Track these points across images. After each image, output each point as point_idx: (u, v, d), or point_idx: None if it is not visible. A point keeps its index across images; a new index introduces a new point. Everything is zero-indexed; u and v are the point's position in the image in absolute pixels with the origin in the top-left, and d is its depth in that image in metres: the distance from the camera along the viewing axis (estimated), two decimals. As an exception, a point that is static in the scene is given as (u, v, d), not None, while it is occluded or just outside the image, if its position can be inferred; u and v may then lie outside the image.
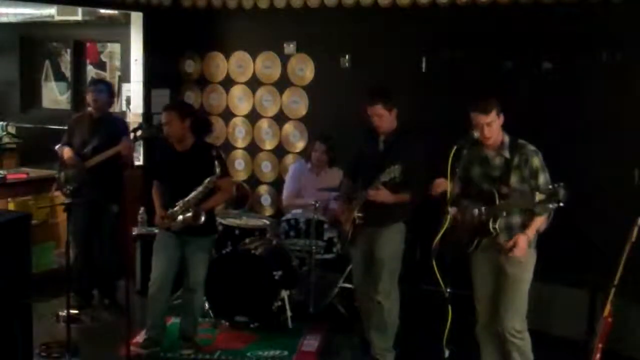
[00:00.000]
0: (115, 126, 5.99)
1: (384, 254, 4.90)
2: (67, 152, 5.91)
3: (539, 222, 4.22)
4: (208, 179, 4.91)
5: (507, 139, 4.30)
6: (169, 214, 4.99)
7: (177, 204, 4.96)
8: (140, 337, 5.25)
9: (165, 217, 5.00)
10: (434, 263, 4.24)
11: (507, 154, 4.27)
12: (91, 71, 7.96)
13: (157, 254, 5.13)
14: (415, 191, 4.75)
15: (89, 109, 6.02)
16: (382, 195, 4.72)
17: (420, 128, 5.18)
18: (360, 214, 4.89)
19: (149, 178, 5.34)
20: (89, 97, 5.97)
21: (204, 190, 4.94)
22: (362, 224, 4.92)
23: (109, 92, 6.06)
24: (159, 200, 5.12)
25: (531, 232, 4.22)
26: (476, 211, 4.27)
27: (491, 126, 4.23)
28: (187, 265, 5.12)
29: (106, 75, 7.86)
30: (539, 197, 3.96)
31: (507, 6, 5.92)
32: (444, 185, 4.30)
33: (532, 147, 4.28)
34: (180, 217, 4.96)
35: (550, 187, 3.98)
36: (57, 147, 6.04)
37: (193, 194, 4.93)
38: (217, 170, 4.91)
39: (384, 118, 4.82)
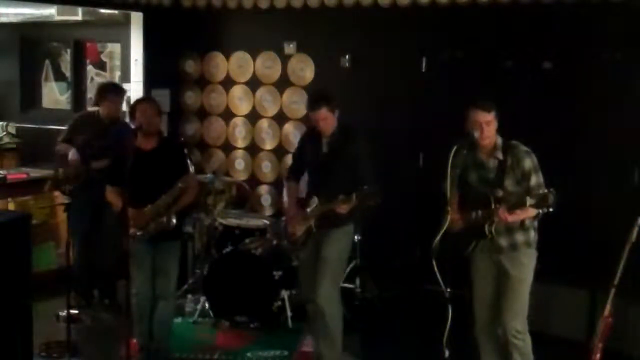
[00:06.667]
0: (121, 128, 6.00)
1: (329, 253, 4.85)
2: (72, 154, 5.88)
3: (530, 213, 4.18)
4: (180, 182, 4.74)
5: (499, 141, 4.30)
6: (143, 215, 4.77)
7: (145, 209, 4.78)
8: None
9: (139, 219, 4.76)
10: (434, 263, 4.24)
11: (500, 156, 4.26)
12: (91, 71, 7.95)
13: (133, 266, 4.78)
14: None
15: (94, 109, 5.99)
16: (347, 208, 4.65)
17: (378, 127, 5.19)
18: (317, 222, 4.83)
19: (112, 181, 4.95)
20: (108, 103, 5.96)
21: (175, 193, 4.77)
22: (316, 228, 4.87)
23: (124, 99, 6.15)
24: (125, 201, 4.59)
25: (518, 215, 4.15)
26: (473, 214, 4.27)
27: (490, 126, 4.23)
28: (157, 272, 4.93)
29: (106, 75, 7.86)
30: (529, 201, 3.97)
31: (507, 6, 5.92)
32: (458, 221, 4.32)
33: (524, 148, 4.27)
34: (152, 225, 4.79)
35: (541, 192, 3.98)
36: (59, 141, 6.01)
37: (163, 197, 4.76)
38: (191, 169, 4.79)
39: (329, 120, 4.80)
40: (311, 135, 5.02)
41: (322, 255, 4.86)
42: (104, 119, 5.99)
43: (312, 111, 4.83)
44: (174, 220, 4.80)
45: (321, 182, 4.85)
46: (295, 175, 5.19)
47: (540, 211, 4.11)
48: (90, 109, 6.28)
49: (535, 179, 4.18)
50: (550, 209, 3.93)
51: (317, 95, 4.98)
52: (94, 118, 6.08)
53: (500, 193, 4.19)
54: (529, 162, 4.21)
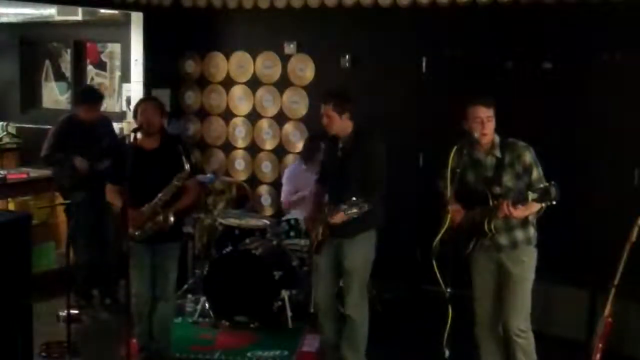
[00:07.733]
0: (106, 124, 6.06)
1: (354, 265, 4.77)
2: (80, 162, 5.84)
3: (534, 208, 4.16)
4: (177, 177, 4.71)
5: (497, 139, 4.31)
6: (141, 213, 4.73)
7: (143, 208, 4.74)
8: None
9: (137, 219, 4.71)
10: (434, 263, 4.24)
11: (498, 154, 4.27)
12: (91, 71, 7.96)
13: (133, 268, 4.68)
14: (377, 199, 4.60)
15: (79, 112, 6.02)
16: (340, 218, 4.54)
17: (378, 127, 5.12)
18: (326, 231, 4.72)
19: (113, 181, 4.89)
20: (87, 108, 5.97)
21: (172, 189, 4.74)
22: (329, 235, 4.76)
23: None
24: (125, 201, 4.52)
25: (522, 211, 4.12)
26: (472, 213, 4.27)
27: (490, 121, 4.25)
28: (157, 274, 4.90)
29: (106, 75, 7.86)
30: (531, 196, 3.96)
31: (507, 6, 5.93)
32: (460, 213, 4.29)
33: (522, 143, 4.29)
34: (149, 224, 4.75)
35: (542, 186, 3.98)
36: (48, 152, 5.98)
37: (160, 195, 4.73)
38: (187, 166, 4.74)
39: (333, 120, 4.69)
40: (330, 137, 4.88)
41: (346, 267, 4.78)
42: (85, 120, 5.99)
43: (322, 104, 4.76)
44: (172, 219, 4.77)
45: (336, 188, 4.76)
46: (322, 180, 5.06)
47: (544, 205, 4.10)
48: (75, 111, 6.24)
49: (537, 173, 4.20)
50: (554, 202, 3.92)
51: (331, 91, 4.89)
52: (77, 121, 6.02)
53: (498, 190, 4.19)
54: (529, 155, 4.23)
